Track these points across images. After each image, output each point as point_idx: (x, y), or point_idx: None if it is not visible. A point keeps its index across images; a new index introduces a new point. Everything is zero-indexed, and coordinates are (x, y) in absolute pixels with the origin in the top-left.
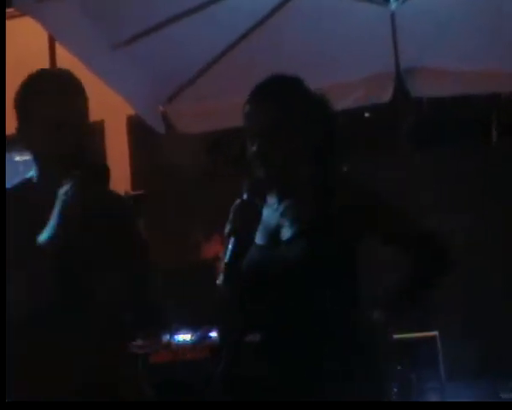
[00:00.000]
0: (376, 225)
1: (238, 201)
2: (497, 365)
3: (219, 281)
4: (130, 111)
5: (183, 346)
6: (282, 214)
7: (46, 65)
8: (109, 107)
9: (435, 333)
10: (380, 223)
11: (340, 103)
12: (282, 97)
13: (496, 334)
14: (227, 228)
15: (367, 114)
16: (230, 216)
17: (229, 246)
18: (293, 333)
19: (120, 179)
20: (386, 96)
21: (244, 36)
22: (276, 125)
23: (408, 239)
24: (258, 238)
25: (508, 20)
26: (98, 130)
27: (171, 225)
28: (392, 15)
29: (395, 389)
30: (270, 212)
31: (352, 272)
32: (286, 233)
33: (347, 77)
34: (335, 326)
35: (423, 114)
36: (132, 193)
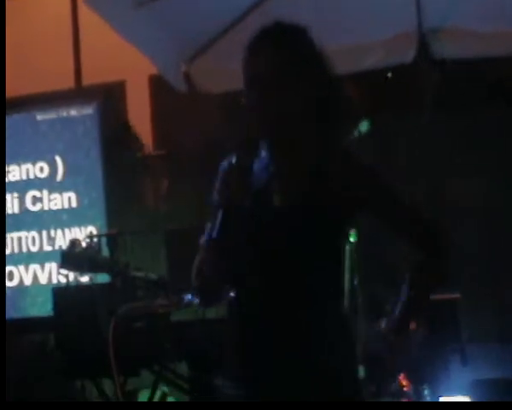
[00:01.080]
0: (372, 207)
1: (226, 164)
2: None
3: (202, 257)
4: (153, 71)
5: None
6: (274, 176)
7: (69, 25)
8: (131, 67)
9: (457, 295)
10: (376, 205)
11: (362, 64)
12: (286, 44)
13: None
14: (214, 198)
15: (389, 74)
16: (217, 184)
17: (218, 220)
18: (280, 311)
19: (142, 139)
20: (408, 56)
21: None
22: (277, 73)
23: (405, 227)
24: (248, 203)
25: None
26: (120, 90)
27: (193, 185)
28: None
29: (416, 351)
30: (261, 169)
31: (341, 258)
32: (277, 199)
33: (368, 37)
34: (318, 312)
35: (447, 77)
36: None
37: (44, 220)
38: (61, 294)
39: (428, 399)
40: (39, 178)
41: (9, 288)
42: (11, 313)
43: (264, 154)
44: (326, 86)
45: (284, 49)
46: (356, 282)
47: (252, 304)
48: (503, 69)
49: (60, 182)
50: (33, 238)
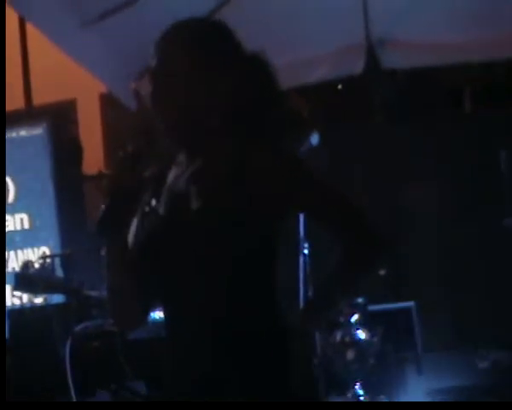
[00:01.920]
0: (297, 205)
1: (120, 153)
2: (474, 336)
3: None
4: (103, 89)
5: None
6: (191, 180)
7: (17, 46)
8: (82, 85)
9: (411, 303)
10: (304, 206)
11: (313, 75)
12: (188, 37)
13: (472, 304)
14: (104, 183)
15: (340, 86)
16: (111, 171)
17: (103, 207)
18: (201, 316)
19: (93, 158)
20: (358, 67)
21: (212, 12)
22: (175, 65)
23: (335, 229)
24: (162, 209)
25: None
26: (70, 109)
27: None
28: None
29: (372, 360)
30: (178, 176)
31: (268, 259)
32: (194, 202)
33: (319, 50)
34: (240, 312)
35: (395, 86)
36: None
37: None
38: (15, 316)
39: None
40: None
41: None
42: None
43: (179, 159)
44: (230, 82)
45: (188, 40)
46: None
47: (176, 312)
48: (450, 77)
49: (11, 204)
50: None
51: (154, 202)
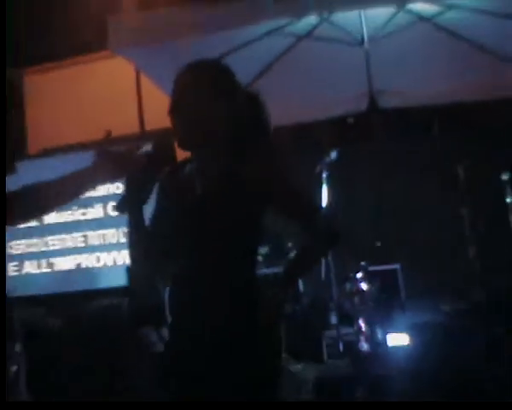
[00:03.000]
0: (272, 203)
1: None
2: (441, 288)
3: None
4: None
5: None
6: (196, 174)
7: (134, 99)
8: None
9: (398, 266)
10: (276, 201)
11: (335, 112)
12: (195, 75)
13: (438, 267)
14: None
15: (351, 120)
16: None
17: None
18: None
19: None
20: (362, 107)
21: (256, 79)
22: (185, 93)
23: (299, 217)
24: (175, 201)
25: (439, 63)
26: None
27: None
28: (367, 54)
29: (371, 304)
30: (190, 171)
31: (254, 241)
32: (198, 189)
33: (338, 96)
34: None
35: (389, 120)
36: None
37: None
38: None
39: (379, 335)
40: None
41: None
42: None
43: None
44: (227, 107)
45: (189, 78)
46: None
47: (183, 279)
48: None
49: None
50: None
51: (169, 193)
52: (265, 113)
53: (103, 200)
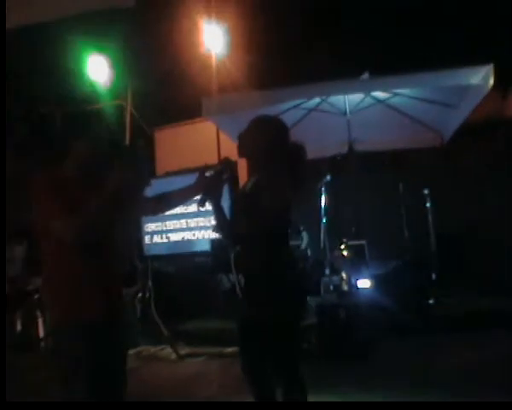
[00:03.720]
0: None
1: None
2: (388, 254)
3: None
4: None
5: None
6: (250, 182)
7: (215, 149)
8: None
9: (364, 241)
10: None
11: (329, 153)
12: (254, 128)
13: (389, 241)
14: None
15: (338, 157)
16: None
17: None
18: (252, 246)
19: None
20: (344, 150)
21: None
22: (246, 138)
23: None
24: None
25: (388, 126)
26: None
27: None
28: (348, 121)
29: (349, 262)
30: (247, 182)
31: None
32: (247, 189)
33: (331, 142)
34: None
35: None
36: None
37: None
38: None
39: (353, 281)
40: None
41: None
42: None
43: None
44: (269, 147)
45: (252, 130)
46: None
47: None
48: (383, 155)
49: None
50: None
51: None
52: (304, 160)
53: (195, 201)
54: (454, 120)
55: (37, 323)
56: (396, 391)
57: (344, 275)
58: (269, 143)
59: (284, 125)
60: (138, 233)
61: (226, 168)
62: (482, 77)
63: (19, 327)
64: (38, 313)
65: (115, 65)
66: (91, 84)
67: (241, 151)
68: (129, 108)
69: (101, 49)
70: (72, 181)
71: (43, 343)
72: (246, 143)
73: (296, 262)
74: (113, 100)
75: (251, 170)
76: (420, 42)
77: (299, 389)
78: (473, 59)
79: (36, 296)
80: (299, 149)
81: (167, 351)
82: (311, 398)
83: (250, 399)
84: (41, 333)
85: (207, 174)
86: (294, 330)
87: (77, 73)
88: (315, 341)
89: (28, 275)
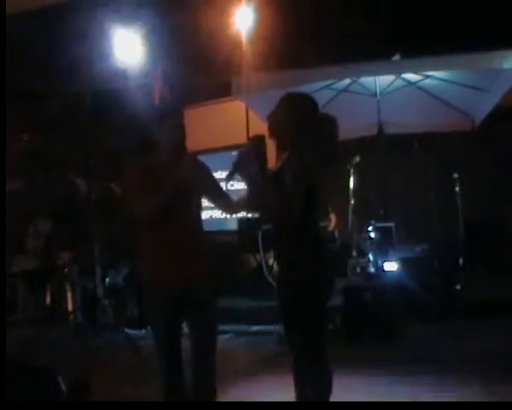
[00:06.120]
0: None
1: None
2: (414, 237)
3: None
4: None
5: None
6: (281, 160)
7: (244, 129)
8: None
9: (392, 223)
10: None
11: (359, 134)
12: (282, 104)
13: (417, 223)
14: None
15: (368, 139)
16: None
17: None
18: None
19: None
20: (374, 132)
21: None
22: (275, 117)
23: None
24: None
25: (418, 108)
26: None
27: None
28: (378, 102)
29: (376, 245)
30: (277, 163)
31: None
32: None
33: (360, 124)
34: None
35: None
36: None
37: None
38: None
39: (379, 263)
40: None
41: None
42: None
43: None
44: (303, 128)
45: (281, 108)
46: None
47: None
48: (413, 138)
49: None
50: None
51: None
52: (334, 131)
53: (223, 180)
54: (486, 104)
55: (66, 297)
56: (422, 376)
57: (370, 257)
58: (298, 119)
59: (313, 100)
60: None
61: (255, 146)
62: None
63: (48, 300)
64: (68, 287)
65: (145, 44)
66: (121, 64)
67: (271, 131)
68: (159, 87)
69: (131, 28)
70: (151, 170)
71: (71, 317)
72: (275, 122)
73: (323, 242)
74: (143, 80)
75: (281, 148)
76: (453, 24)
77: (324, 371)
78: (506, 42)
79: (65, 270)
80: (330, 123)
81: None
82: (336, 380)
83: (276, 378)
84: (70, 307)
85: (236, 152)
86: (319, 312)
87: (107, 52)
88: (340, 323)
89: (55, 250)
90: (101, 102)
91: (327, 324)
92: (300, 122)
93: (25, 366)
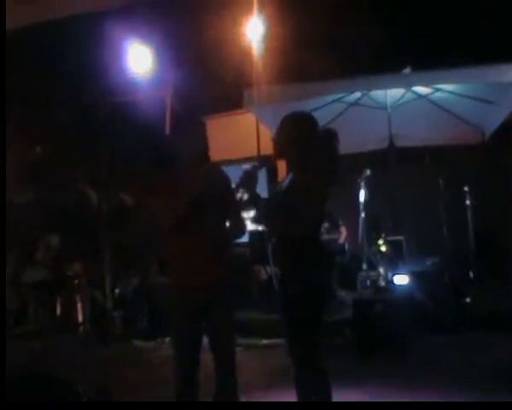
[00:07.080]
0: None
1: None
2: (426, 250)
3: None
4: None
5: None
6: (287, 180)
7: (254, 141)
8: None
9: (402, 237)
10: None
11: (370, 147)
12: (283, 124)
13: (427, 237)
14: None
15: (379, 152)
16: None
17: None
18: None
19: None
20: (384, 145)
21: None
22: (277, 140)
23: None
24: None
25: (429, 122)
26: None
27: None
28: (388, 115)
29: (386, 258)
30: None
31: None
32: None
33: (370, 137)
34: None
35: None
36: None
37: None
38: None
39: (390, 276)
40: None
41: None
42: None
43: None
44: (305, 147)
45: (279, 132)
46: None
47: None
48: (423, 151)
49: None
50: None
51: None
52: (335, 148)
53: None
54: (495, 117)
55: (76, 308)
56: (432, 389)
57: (381, 270)
58: (298, 139)
59: (310, 118)
60: None
61: (247, 176)
62: None
63: (58, 312)
64: (77, 298)
65: (157, 56)
66: (133, 75)
67: (275, 153)
68: (170, 99)
69: (144, 41)
70: (174, 180)
71: (81, 328)
72: (277, 144)
73: (325, 257)
74: (155, 91)
75: (288, 167)
76: (463, 37)
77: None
78: None
79: (75, 281)
80: (330, 139)
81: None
82: (341, 393)
83: (287, 388)
84: (80, 318)
85: (244, 167)
86: (316, 325)
87: (119, 64)
88: (350, 336)
89: (65, 261)
90: (113, 114)
91: (323, 336)
92: (301, 142)
93: (46, 377)
